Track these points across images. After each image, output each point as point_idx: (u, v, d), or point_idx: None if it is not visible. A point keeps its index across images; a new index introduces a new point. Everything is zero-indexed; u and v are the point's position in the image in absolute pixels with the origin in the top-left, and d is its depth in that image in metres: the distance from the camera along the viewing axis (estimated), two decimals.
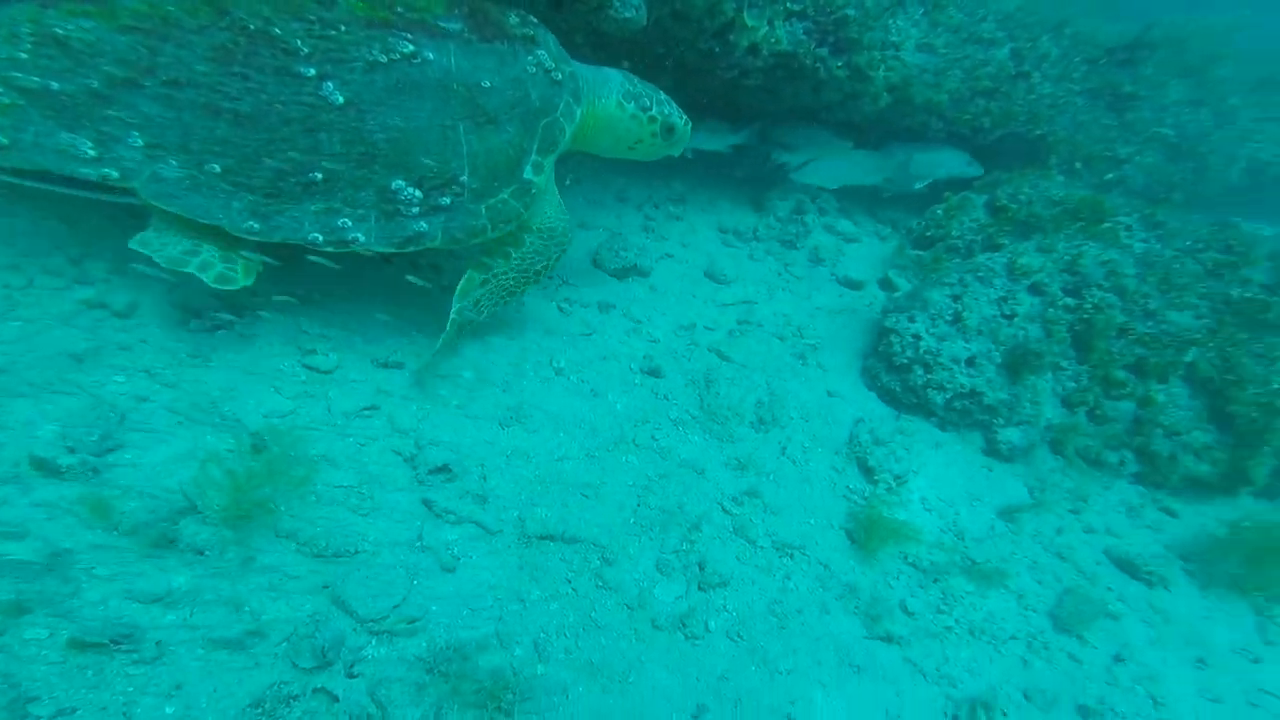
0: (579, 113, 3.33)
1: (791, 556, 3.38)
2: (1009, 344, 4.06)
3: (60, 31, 2.39)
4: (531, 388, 3.64)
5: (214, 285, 2.68)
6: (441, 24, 2.80)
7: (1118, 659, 3.36)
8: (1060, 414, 3.90)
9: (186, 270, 2.66)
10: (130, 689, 2.00)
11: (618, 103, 3.53)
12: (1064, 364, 4.02)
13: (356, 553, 2.61)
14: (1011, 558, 3.64)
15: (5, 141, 2.42)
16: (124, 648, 2.05)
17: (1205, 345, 3.91)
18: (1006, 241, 4.87)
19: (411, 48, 2.70)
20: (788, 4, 4.28)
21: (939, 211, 5.49)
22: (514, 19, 3.08)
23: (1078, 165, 6.14)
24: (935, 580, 3.47)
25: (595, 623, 2.79)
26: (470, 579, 2.73)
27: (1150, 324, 4.06)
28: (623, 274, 4.68)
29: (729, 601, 3.07)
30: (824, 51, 4.56)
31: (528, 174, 3.13)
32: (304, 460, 2.76)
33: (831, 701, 2.89)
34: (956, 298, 4.24)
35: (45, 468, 2.35)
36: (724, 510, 3.46)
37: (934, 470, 3.89)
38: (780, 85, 4.84)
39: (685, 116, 3.77)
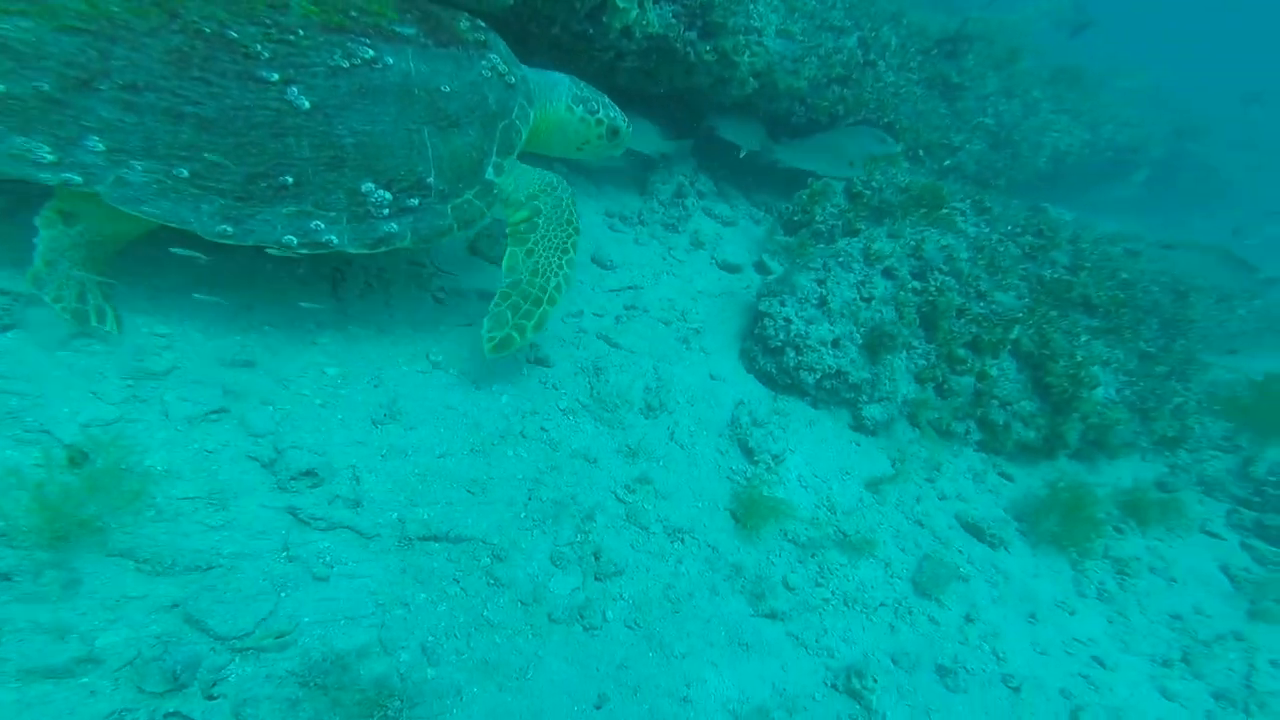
0: (532, 115, 3.43)
1: (682, 541, 3.44)
2: (868, 325, 4.39)
3: (6, 29, 2.28)
4: (406, 382, 3.42)
5: None
6: (396, 29, 2.83)
7: (968, 619, 3.68)
8: (914, 389, 4.30)
9: None
10: None
11: (567, 106, 3.65)
12: (915, 343, 4.42)
13: (210, 568, 2.31)
14: (878, 527, 3.92)
15: None
16: None
17: (1025, 323, 4.47)
18: (863, 227, 5.25)
19: (372, 53, 2.73)
20: None
21: (804, 197, 5.80)
22: (464, 24, 3.15)
23: (921, 152, 6.67)
24: (812, 555, 3.66)
25: (488, 621, 2.67)
26: (347, 587, 2.51)
27: (982, 304, 4.56)
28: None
29: (625, 590, 3.06)
30: (693, 35, 4.71)
31: (489, 174, 3.23)
32: (137, 472, 2.41)
33: (723, 680, 2.97)
34: (821, 282, 4.52)
35: None
36: (617, 499, 3.45)
37: (809, 448, 4.13)
38: (657, 68, 4.93)
39: (628, 120, 3.91)
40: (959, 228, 5.10)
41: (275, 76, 2.56)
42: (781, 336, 4.41)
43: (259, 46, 2.53)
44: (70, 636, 2.00)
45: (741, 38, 4.94)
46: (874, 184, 5.52)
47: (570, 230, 3.52)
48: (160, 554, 2.28)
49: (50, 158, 2.39)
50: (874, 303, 4.52)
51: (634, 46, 4.56)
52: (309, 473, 2.78)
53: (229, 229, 2.64)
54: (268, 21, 2.56)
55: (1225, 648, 4.01)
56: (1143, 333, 4.72)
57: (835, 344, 4.36)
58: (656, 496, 3.57)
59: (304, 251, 2.79)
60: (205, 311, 3.09)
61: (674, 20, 4.56)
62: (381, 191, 2.87)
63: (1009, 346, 4.38)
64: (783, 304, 4.54)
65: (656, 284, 5.06)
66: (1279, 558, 4.48)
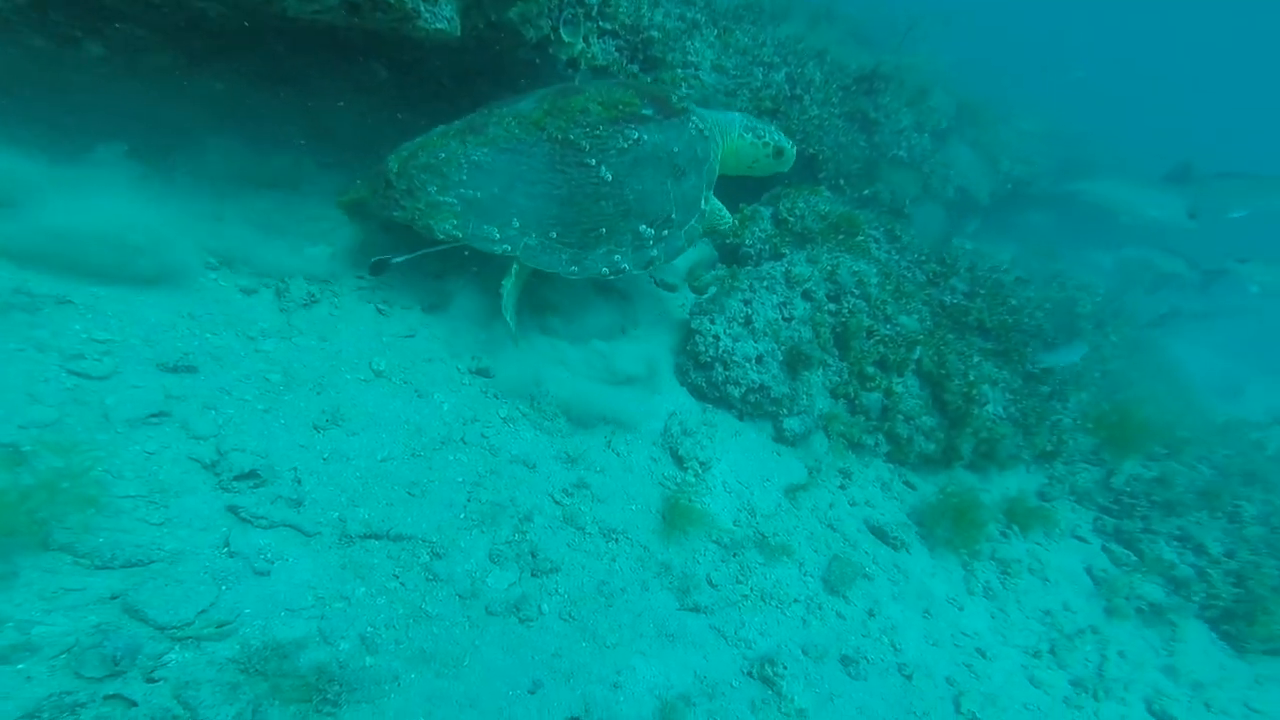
0: (720, 152, 4.42)
1: (616, 541, 3.65)
2: (788, 344, 4.75)
3: (474, 158, 3.72)
4: (349, 390, 3.52)
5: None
6: (643, 112, 3.97)
7: (870, 614, 4.00)
8: (829, 404, 4.68)
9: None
10: None
11: (739, 134, 4.57)
12: (830, 361, 4.82)
13: (151, 562, 2.37)
14: (795, 531, 4.23)
15: (459, 235, 3.69)
16: None
17: (926, 344, 4.94)
18: (787, 251, 5.63)
19: (636, 134, 3.90)
20: (600, 23, 4.68)
21: (735, 221, 6.17)
22: (674, 98, 4.27)
23: (842, 182, 7.10)
24: (734, 555, 3.94)
25: (426, 613, 2.81)
26: (287, 581, 2.60)
27: (889, 327, 5.01)
28: (447, 274, 4.67)
29: (561, 585, 3.24)
30: (635, 68, 5.05)
31: (703, 205, 4.32)
32: (75, 472, 2.44)
33: (651, 668, 3.19)
34: (747, 302, 4.87)
35: None
36: (555, 501, 3.63)
37: (734, 456, 4.43)
38: None
39: (791, 141, 4.76)
40: (873, 254, 5.58)
41: (593, 161, 3.77)
42: (711, 352, 4.71)
43: (584, 142, 3.76)
44: (5, 626, 2.03)
45: (679, 71, 5.31)
46: (797, 211, 5.95)
47: (720, 220, 4.60)
48: (99, 549, 2.32)
49: (497, 235, 3.69)
50: (794, 322, 4.90)
51: (579, 77, 4.86)
52: (251, 474, 2.85)
53: (575, 269, 3.87)
54: (583, 124, 3.78)
55: (1084, 640, 4.44)
56: (1028, 355, 5.28)
57: (759, 360, 4.70)
58: (594, 500, 3.77)
59: (610, 278, 4.08)
60: (148, 316, 3.12)
61: (617, 54, 4.89)
62: (648, 229, 4.03)
63: (912, 366, 4.83)
64: (712, 321, 4.86)
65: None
66: (1130, 560, 5.07)
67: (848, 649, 3.75)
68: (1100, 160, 13.37)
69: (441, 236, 3.73)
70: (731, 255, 5.96)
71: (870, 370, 4.70)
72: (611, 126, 3.85)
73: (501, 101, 4.04)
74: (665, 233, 4.11)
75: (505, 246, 3.76)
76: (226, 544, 2.58)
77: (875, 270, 5.24)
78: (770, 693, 3.37)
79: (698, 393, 4.72)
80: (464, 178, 3.71)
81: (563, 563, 3.35)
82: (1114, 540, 5.19)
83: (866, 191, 7.30)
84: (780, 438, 4.65)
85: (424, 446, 3.50)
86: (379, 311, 4.11)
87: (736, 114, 4.67)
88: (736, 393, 4.63)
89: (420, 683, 2.58)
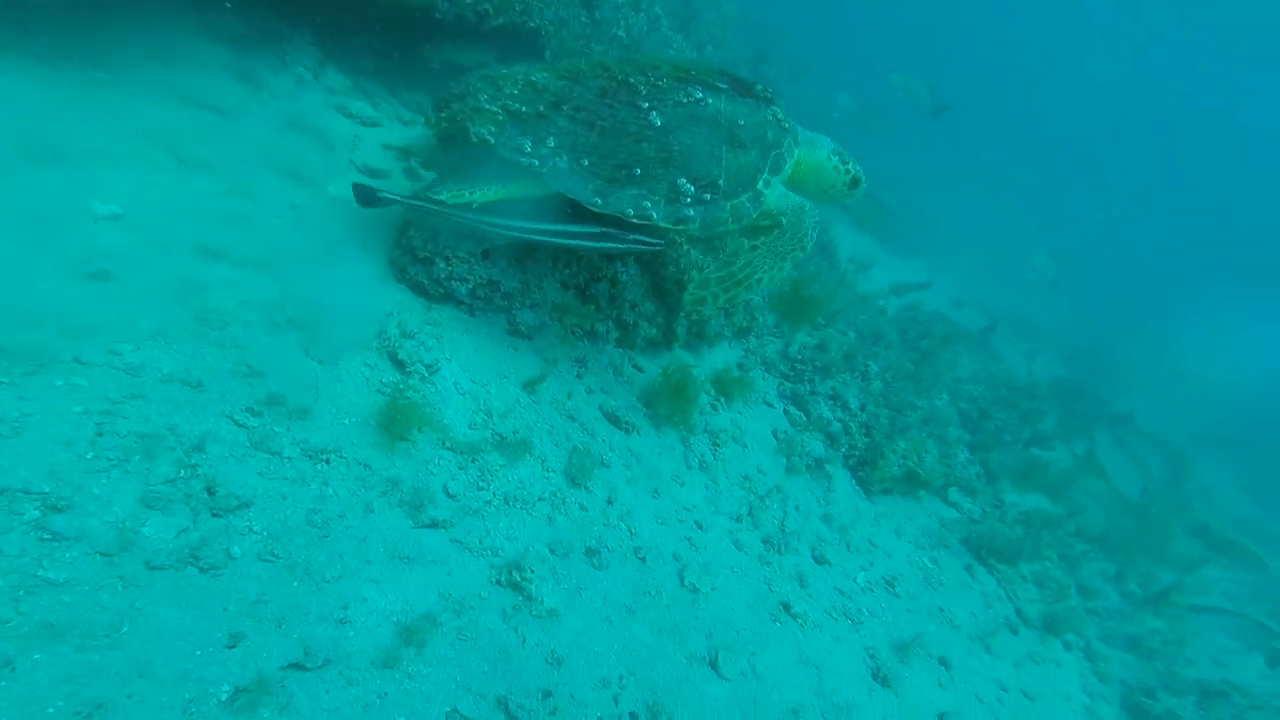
0: (797, 153, 4.36)
1: (328, 462, 3.10)
2: None
3: (533, 79, 3.80)
4: None
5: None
6: (716, 84, 4.08)
7: (609, 502, 4.11)
8: (561, 294, 4.56)
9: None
10: None
11: (827, 155, 4.62)
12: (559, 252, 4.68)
13: None
14: (535, 426, 4.11)
15: (491, 140, 3.61)
16: None
17: None
18: None
19: (700, 95, 3.95)
20: None
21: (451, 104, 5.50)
22: (759, 87, 4.33)
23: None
24: (473, 460, 3.68)
25: (49, 582, 2.02)
26: None
27: None
28: None
29: (255, 522, 2.64)
30: None
31: (759, 186, 4.12)
32: None
33: (386, 596, 2.83)
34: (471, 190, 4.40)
35: None
36: (236, 424, 2.91)
37: (465, 355, 4.07)
38: None
39: (865, 178, 4.82)
40: None
41: (645, 105, 3.79)
42: (430, 246, 4.19)
43: (642, 88, 3.83)
44: None
45: None
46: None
47: (796, 245, 4.36)
48: None
49: (528, 149, 3.62)
50: None
51: None
52: None
53: (599, 201, 3.67)
54: (649, 74, 3.91)
55: (772, 500, 5.02)
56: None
57: (485, 255, 4.33)
58: (290, 418, 3.12)
59: (634, 220, 3.75)
60: None
61: None
62: (688, 185, 3.83)
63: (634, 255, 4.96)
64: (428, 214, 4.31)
65: (278, 190, 4.29)
66: (801, 420, 6.09)
67: (590, 540, 3.82)
68: (786, 53, 15.02)
69: (475, 140, 3.62)
70: (448, 140, 5.33)
71: (598, 262, 4.68)
72: (676, 83, 3.93)
73: None
74: (707, 196, 3.89)
75: (534, 161, 3.60)
76: None
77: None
78: (520, 597, 3.28)
79: (419, 289, 4.19)
80: (515, 91, 3.74)
81: (255, 496, 2.73)
82: (791, 403, 6.12)
83: None
84: (515, 331, 4.41)
85: (22, 374, 2.45)
86: None
87: (826, 138, 4.71)
88: (463, 289, 4.21)
89: (52, 662, 1.91)
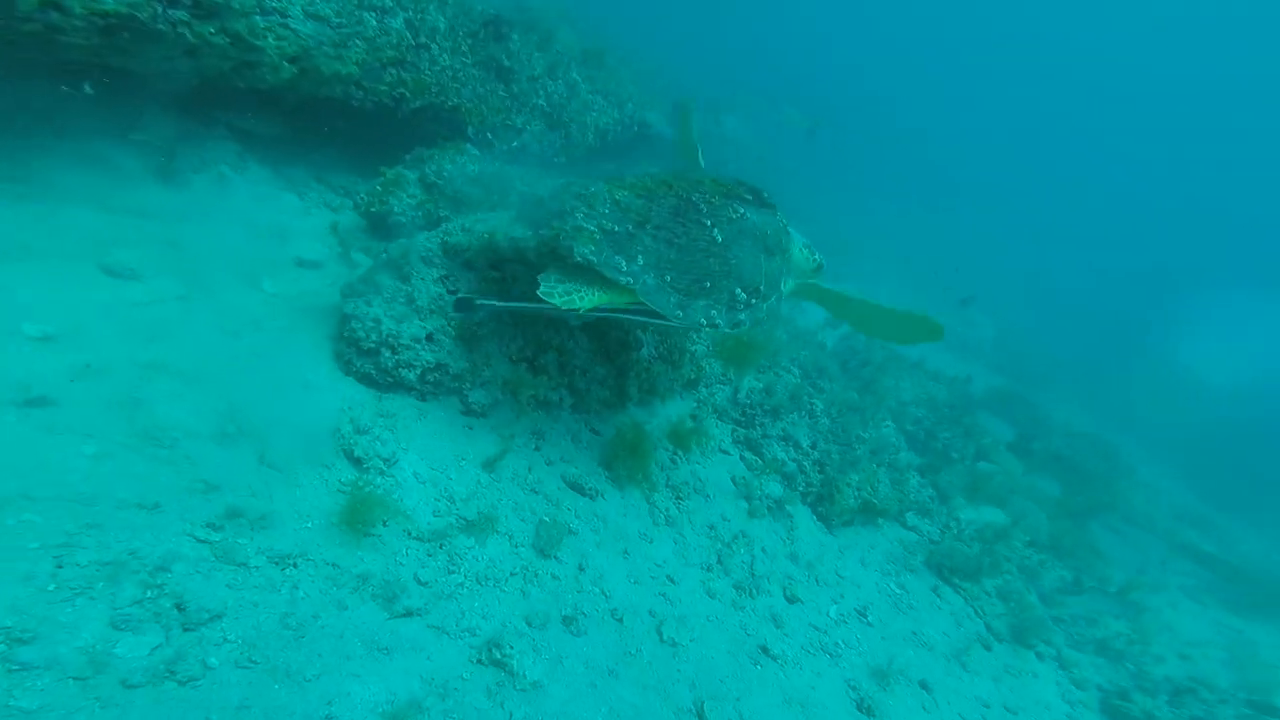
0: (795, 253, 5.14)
1: (296, 566, 3.15)
2: (458, 319, 4.62)
3: (617, 198, 4.25)
4: None
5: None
6: (744, 195, 4.77)
7: (581, 568, 4.21)
8: (511, 369, 4.73)
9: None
10: None
11: (800, 248, 5.21)
12: (503, 329, 4.86)
13: None
14: (499, 503, 4.21)
15: (594, 259, 3.94)
16: None
17: None
18: (445, 215, 5.41)
19: (742, 210, 4.55)
20: None
21: (377, 187, 5.71)
22: (765, 194, 4.95)
23: (489, 135, 7.02)
24: (440, 545, 3.75)
25: (22, 710, 2.03)
26: None
27: None
28: None
29: (229, 632, 2.67)
30: (182, 14, 4.30)
31: (783, 287, 4.94)
32: None
33: (369, 688, 2.87)
34: (406, 279, 4.59)
35: None
36: (198, 540, 2.94)
37: (422, 442, 4.17)
38: (137, 48, 4.35)
39: (825, 263, 5.46)
40: None
41: (708, 222, 4.34)
42: (374, 337, 4.33)
43: (703, 205, 4.39)
44: None
45: (258, 19, 4.67)
46: (445, 173, 5.77)
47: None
48: None
49: (624, 267, 4.03)
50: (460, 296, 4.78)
51: (79, 24, 4.01)
52: None
53: (680, 314, 4.11)
54: (702, 191, 4.48)
55: (739, 545, 5.19)
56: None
57: (430, 339, 4.49)
58: (253, 528, 3.16)
59: (705, 329, 4.57)
60: None
61: None
62: (742, 294, 4.39)
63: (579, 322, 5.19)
64: (369, 304, 4.46)
65: (209, 293, 4.38)
66: (757, 464, 6.30)
67: (566, 608, 3.90)
68: (701, 97, 16.20)
69: (579, 259, 3.93)
70: (379, 225, 5.54)
71: (544, 334, 4.90)
72: (723, 199, 4.53)
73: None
74: (754, 301, 4.48)
75: (629, 279, 4.00)
76: None
77: (534, 233, 5.40)
78: (503, 673, 3.34)
79: (368, 380, 4.31)
80: (606, 211, 4.15)
81: (226, 607, 2.76)
82: (746, 448, 6.37)
83: (515, 144, 7.36)
84: (469, 411, 4.54)
85: None
86: None
87: (798, 234, 5.28)
88: (413, 375, 4.36)
89: None
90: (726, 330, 4.33)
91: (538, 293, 3.83)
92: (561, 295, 3.88)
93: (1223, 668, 7.19)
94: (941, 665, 5.31)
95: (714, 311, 4.25)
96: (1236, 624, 8.67)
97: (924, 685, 4.96)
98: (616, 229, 4.10)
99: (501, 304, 4.26)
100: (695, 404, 6.25)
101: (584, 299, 3.94)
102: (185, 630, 2.57)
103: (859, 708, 4.47)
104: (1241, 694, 6.39)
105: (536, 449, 4.72)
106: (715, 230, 4.34)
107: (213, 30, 4.45)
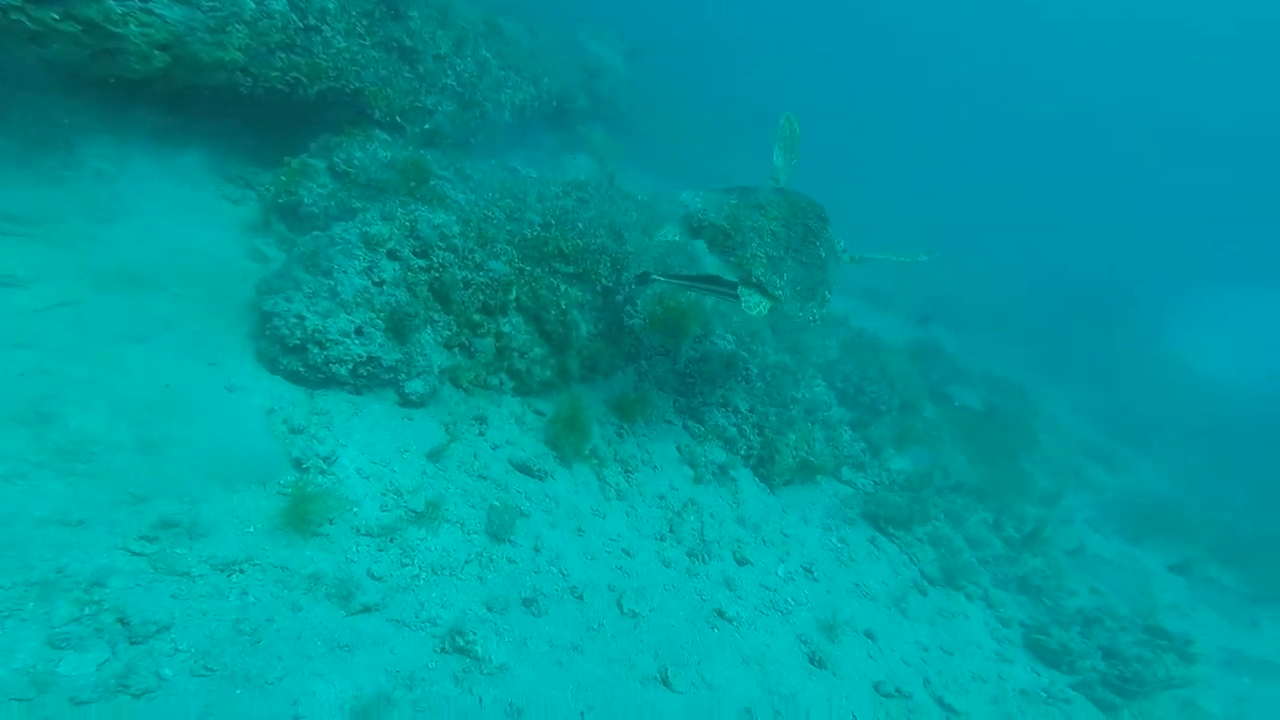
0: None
1: (242, 571, 3.11)
2: (386, 310, 4.56)
3: (773, 229, 5.33)
4: None
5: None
6: (823, 215, 5.83)
7: (536, 549, 4.30)
8: (447, 357, 4.71)
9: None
10: None
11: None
12: (436, 317, 4.82)
13: None
14: (447, 493, 4.23)
15: (763, 279, 5.09)
16: None
17: (519, 283, 5.31)
18: (360, 205, 5.28)
19: (828, 232, 5.77)
20: None
21: (282, 177, 5.52)
22: (824, 211, 5.94)
23: (398, 119, 6.77)
24: (391, 539, 3.76)
25: None
26: None
27: (481, 274, 5.18)
28: None
29: (180, 641, 2.65)
30: (17, 1, 4.04)
31: (831, 287, 5.66)
32: None
33: (334, 686, 2.89)
34: (327, 273, 4.49)
35: None
36: (132, 553, 2.86)
37: (361, 436, 4.13)
38: None
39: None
40: (449, 199, 5.68)
41: (818, 242, 5.58)
42: (299, 334, 4.23)
43: (817, 229, 5.63)
44: None
45: (113, 4, 4.40)
46: (356, 161, 5.61)
47: None
48: None
49: (778, 282, 5.09)
50: (386, 286, 4.70)
51: None
52: None
53: (800, 315, 5.19)
54: (812, 216, 5.68)
55: (688, 513, 5.43)
56: (602, 273, 6.19)
57: (359, 332, 4.41)
58: (190, 536, 3.09)
59: (811, 323, 5.41)
60: None
61: None
62: (827, 294, 5.41)
63: (513, 304, 5.19)
64: (289, 300, 4.34)
65: (99, 289, 4.15)
66: (700, 431, 6.54)
67: (525, 591, 4.00)
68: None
69: (756, 278, 5.00)
70: (289, 217, 5.34)
71: (477, 318, 4.89)
72: (820, 224, 5.70)
73: (747, 186, 5.78)
74: (829, 296, 5.47)
75: (778, 291, 5.04)
76: None
77: (455, 219, 5.35)
78: (469, 660, 3.42)
79: (296, 378, 4.21)
80: (767, 240, 5.20)
81: (173, 617, 2.74)
82: (689, 417, 6.58)
83: (427, 126, 7.13)
84: (406, 402, 4.52)
85: None
86: None
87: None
88: (344, 370, 4.29)
89: None
90: (817, 323, 5.52)
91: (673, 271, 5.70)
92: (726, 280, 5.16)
93: (1128, 600, 8.05)
94: (883, 614, 5.73)
95: (813, 307, 5.36)
96: (1135, 552, 9.69)
97: (869, 634, 5.36)
98: (773, 254, 5.29)
99: (678, 279, 5.46)
100: (637, 376, 6.40)
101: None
102: (132, 643, 2.53)
103: (811, 660, 4.79)
104: (1138, 620, 7.20)
105: (480, 434, 4.75)
106: (820, 249, 5.62)
107: (56, 16, 4.16)
